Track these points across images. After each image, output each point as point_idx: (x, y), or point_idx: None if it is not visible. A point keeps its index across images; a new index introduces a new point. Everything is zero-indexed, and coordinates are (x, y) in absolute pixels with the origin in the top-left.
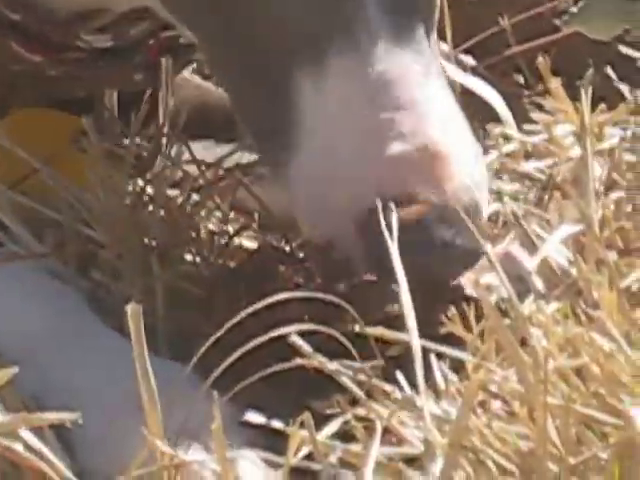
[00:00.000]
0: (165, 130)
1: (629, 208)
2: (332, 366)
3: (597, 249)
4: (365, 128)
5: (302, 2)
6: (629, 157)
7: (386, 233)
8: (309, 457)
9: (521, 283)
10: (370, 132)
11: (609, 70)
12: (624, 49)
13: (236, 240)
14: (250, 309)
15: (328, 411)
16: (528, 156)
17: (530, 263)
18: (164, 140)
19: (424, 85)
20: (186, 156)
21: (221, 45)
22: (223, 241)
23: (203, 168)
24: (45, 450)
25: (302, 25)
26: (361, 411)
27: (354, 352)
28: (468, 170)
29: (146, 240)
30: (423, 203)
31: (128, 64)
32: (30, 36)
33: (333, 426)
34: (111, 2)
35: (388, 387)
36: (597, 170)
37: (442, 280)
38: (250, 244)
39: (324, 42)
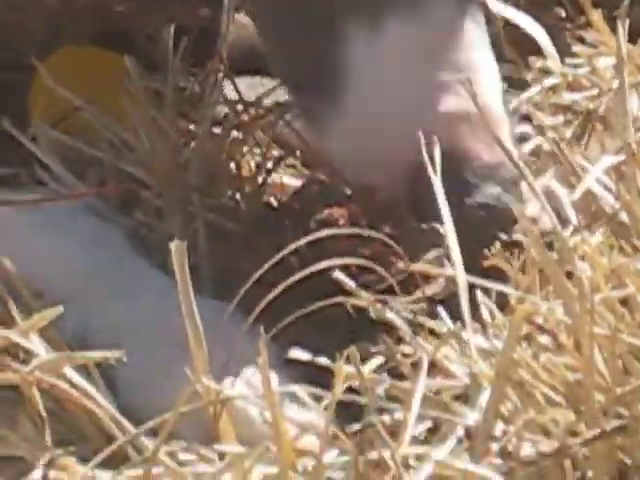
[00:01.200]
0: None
1: None
2: (377, 305)
3: (638, 178)
4: (421, 82)
5: None
6: None
7: (437, 184)
8: (355, 393)
9: (561, 217)
10: (426, 87)
11: None
12: None
13: (278, 178)
14: (292, 246)
15: (373, 349)
16: (570, 89)
17: (571, 196)
18: (215, 77)
19: (478, 50)
20: (233, 95)
21: None
22: (262, 178)
23: (241, 107)
24: (89, 388)
25: None
26: (407, 348)
27: (397, 289)
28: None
29: (188, 177)
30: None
31: None
32: None
33: (377, 360)
34: None
35: (433, 324)
36: (636, 101)
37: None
38: (292, 182)
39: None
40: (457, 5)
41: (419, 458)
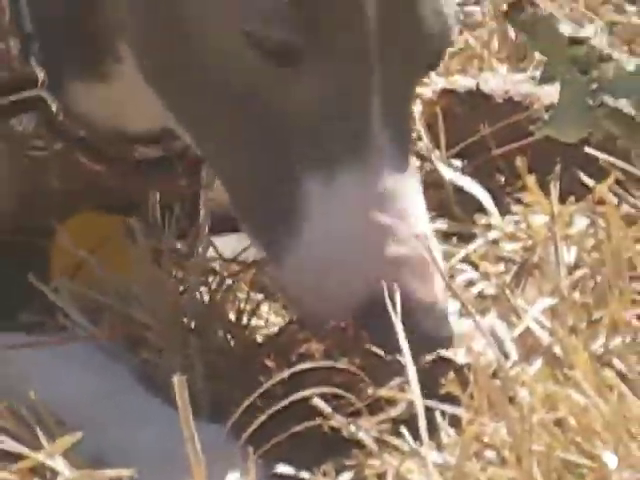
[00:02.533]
0: (204, 229)
1: (592, 283)
2: (349, 425)
3: (569, 318)
4: (366, 229)
5: (318, 115)
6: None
7: (390, 320)
8: None
9: (503, 351)
10: (371, 233)
11: (577, 169)
12: (588, 150)
13: (262, 318)
14: (276, 377)
15: (346, 462)
16: (510, 241)
17: (512, 333)
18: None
19: (415, 199)
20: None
21: (224, 145)
22: (246, 320)
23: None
24: None
25: (317, 134)
26: (375, 462)
27: (365, 412)
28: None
29: (185, 321)
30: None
31: (174, 172)
32: (93, 149)
33: (350, 474)
34: (150, 124)
35: (397, 442)
36: (565, 251)
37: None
38: (274, 320)
39: (335, 152)
40: (399, 160)
41: None
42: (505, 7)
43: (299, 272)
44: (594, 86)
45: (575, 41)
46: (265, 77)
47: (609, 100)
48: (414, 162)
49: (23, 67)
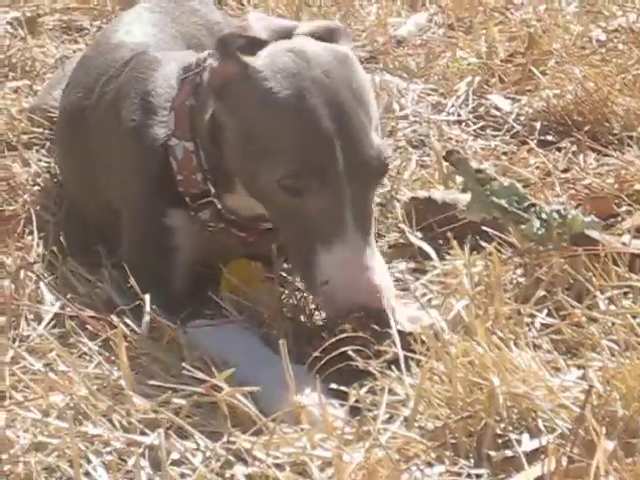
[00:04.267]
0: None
1: (485, 293)
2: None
3: (475, 310)
4: (353, 274)
5: (319, 217)
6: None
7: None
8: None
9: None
10: (355, 276)
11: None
12: (484, 227)
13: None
14: (331, 340)
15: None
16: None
17: (447, 316)
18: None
19: (375, 260)
20: None
21: (285, 228)
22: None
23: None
24: (244, 400)
25: (319, 227)
26: (379, 382)
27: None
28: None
29: (284, 312)
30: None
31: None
32: (239, 225)
33: (366, 388)
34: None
35: (389, 372)
36: (471, 279)
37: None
38: None
39: (330, 234)
40: (363, 237)
41: None
42: (444, 153)
43: (322, 294)
44: (487, 193)
45: (478, 170)
46: (290, 201)
47: (495, 199)
48: (374, 236)
49: (204, 186)
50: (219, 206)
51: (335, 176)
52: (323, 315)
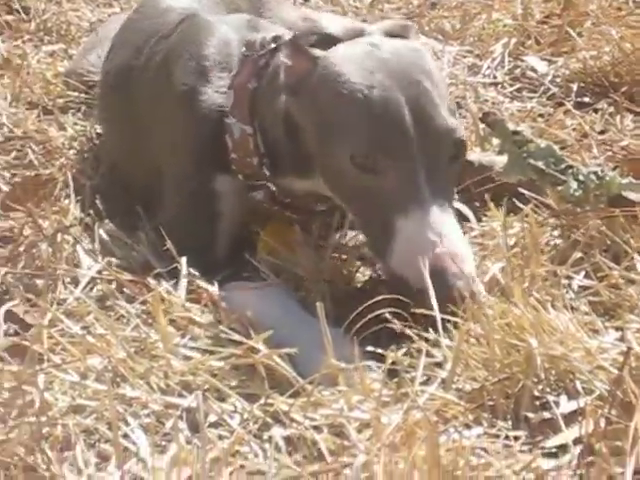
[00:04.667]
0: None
1: (522, 255)
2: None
3: (512, 272)
4: (428, 239)
5: (394, 189)
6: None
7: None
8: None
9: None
10: (434, 243)
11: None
12: (521, 189)
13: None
14: (370, 302)
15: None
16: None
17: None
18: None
19: (454, 229)
20: None
21: (360, 205)
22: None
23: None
24: (281, 362)
25: (395, 199)
26: (416, 345)
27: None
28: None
29: (323, 276)
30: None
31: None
32: (294, 208)
33: (404, 350)
34: (320, 190)
35: (427, 334)
36: (509, 240)
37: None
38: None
39: (405, 205)
40: (440, 206)
41: None
42: (480, 114)
43: (401, 256)
44: (524, 155)
45: (515, 132)
46: (364, 179)
47: (532, 161)
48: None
49: (259, 170)
50: (273, 188)
51: (408, 152)
52: (380, 277)
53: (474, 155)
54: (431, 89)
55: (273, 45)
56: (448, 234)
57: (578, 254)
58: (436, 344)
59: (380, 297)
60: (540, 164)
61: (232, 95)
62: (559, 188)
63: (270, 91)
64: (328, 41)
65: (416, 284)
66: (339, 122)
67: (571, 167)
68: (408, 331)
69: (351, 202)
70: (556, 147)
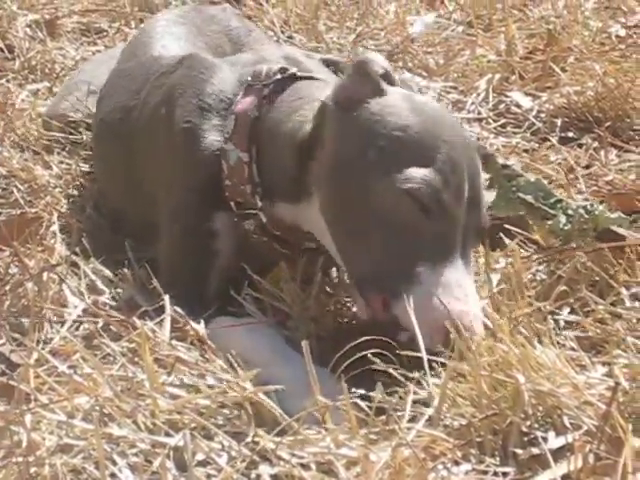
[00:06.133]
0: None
1: (507, 292)
2: (390, 370)
3: (497, 308)
4: (446, 299)
5: (434, 239)
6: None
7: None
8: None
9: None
10: (449, 298)
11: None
12: (507, 225)
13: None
14: (353, 343)
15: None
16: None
17: None
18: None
19: (471, 288)
20: None
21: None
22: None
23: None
24: (267, 400)
25: (433, 244)
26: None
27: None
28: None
29: (310, 312)
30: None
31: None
32: (282, 240)
33: (389, 389)
34: (304, 218)
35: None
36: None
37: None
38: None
39: (436, 257)
40: (465, 268)
41: None
42: None
43: (417, 305)
44: (514, 189)
45: (504, 166)
46: (415, 215)
47: (521, 195)
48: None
49: (251, 198)
50: (264, 220)
51: (461, 206)
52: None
53: None
54: (479, 173)
55: (279, 76)
56: (469, 294)
57: (563, 288)
58: (423, 382)
59: (366, 337)
60: (529, 198)
61: (232, 121)
62: (548, 222)
63: (277, 118)
64: (388, 79)
65: (424, 335)
66: (407, 153)
67: (560, 201)
68: (394, 372)
69: (348, 234)
70: (545, 181)
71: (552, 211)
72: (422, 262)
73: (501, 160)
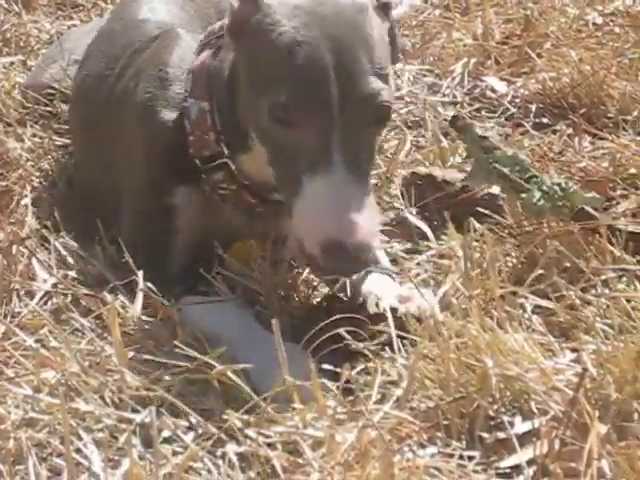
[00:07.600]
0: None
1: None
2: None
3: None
4: (332, 204)
5: (306, 147)
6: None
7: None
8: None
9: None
10: (334, 207)
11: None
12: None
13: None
14: (323, 323)
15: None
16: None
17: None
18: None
19: (360, 198)
20: None
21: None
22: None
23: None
24: (236, 378)
25: (305, 156)
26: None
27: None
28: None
29: (279, 290)
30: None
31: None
32: (251, 190)
33: (358, 369)
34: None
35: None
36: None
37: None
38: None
39: (314, 165)
40: (350, 174)
41: None
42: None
43: (299, 215)
44: (490, 160)
45: (483, 137)
46: (280, 133)
47: (497, 167)
48: (370, 182)
49: (217, 147)
50: (232, 167)
51: (325, 110)
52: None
53: (437, 171)
54: (362, 52)
55: None
56: (354, 200)
57: (535, 274)
58: (392, 362)
59: (338, 316)
60: (506, 170)
61: (190, 78)
62: (522, 196)
63: (220, 66)
64: None
65: (310, 249)
66: (264, 72)
67: (536, 177)
68: (364, 350)
69: (274, 162)
70: (523, 156)
71: (527, 185)
72: (304, 173)
73: (480, 131)
